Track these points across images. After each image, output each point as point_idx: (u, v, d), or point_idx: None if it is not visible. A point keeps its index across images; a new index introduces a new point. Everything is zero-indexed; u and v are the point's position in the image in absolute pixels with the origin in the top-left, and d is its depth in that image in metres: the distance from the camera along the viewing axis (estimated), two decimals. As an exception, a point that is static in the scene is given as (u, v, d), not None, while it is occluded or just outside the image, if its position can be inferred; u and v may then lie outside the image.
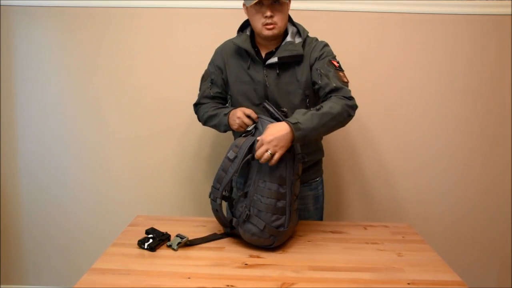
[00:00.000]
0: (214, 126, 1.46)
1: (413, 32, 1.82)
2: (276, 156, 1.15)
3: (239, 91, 1.44)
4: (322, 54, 1.38)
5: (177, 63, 1.86)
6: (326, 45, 1.42)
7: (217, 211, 1.27)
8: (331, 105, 1.23)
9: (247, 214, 1.21)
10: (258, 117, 1.30)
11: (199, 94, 1.54)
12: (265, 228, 1.18)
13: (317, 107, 1.23)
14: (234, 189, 1.33)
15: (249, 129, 1.28)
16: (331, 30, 1.80)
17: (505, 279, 2.01)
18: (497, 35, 1.81)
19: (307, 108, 1.34)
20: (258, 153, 1.17)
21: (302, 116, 1.19)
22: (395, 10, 1.80)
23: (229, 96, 1.49)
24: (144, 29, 1.85)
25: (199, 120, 1.55)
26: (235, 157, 1.22)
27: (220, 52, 1.50)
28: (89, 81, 1.90)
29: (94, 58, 1.87)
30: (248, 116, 1.31)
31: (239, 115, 1.31)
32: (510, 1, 1.78)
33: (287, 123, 1.16)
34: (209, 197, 1.27)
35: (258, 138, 1.19)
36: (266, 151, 1.15)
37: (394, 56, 1.84)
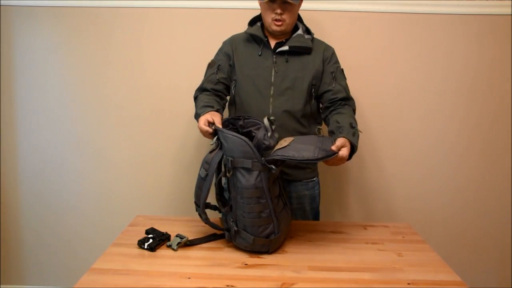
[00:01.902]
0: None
1: (412, 32, 1.82)
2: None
3: (244, 75, 1.47)
4: (333, 57, 1.51)
5: (177, 63, 1.86)
6: (334, 51, 1.54)
7: (207, 224, 1.28)
8: (353, 117, 1.40)
9: (235, 230, 1.19)
10: (215, 128, 1.21)
11: (202, 80, 1.53)
12: (254, 241, 1.17)
13: (354, 124, 1.34)
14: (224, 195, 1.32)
15: (211, 143, 1.22)
16: (330, 29, 1.81)
17: (505, 279, 2.02)
18: (496, 35, 1.81)
19: (311, 95, 1.47)
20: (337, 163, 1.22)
21: (353, 137, 1.27)
22: (395, 10, 1.80)
23: (233, 81, 1.50)
24: (144, 29, 1.85)
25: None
26: (206, 175, 1.20)
27: (229, 41, 1.55)
28: (88, 81, 1.89)
29: (94, 57, 1.88)
30: (211, 124, 1.24)
31: (200, 124, 1.25)
32: (510, 1, 1.78)
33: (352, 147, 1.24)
34: (196, 211, 1.27)
35: (339, 155, 1.18)
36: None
37: (393, 56, 1.84)
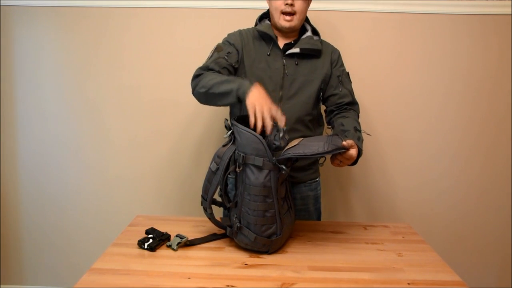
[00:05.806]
0: (220, 95, 1.22)
1: (413, 32, 1.82)
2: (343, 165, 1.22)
3: (254, 76, 1.41)
4: (339, 60, 1.50)
5: (176, 63, 1.86)
6: (340, 53, 1.53)
7: (210, 219, 1.27)
8: (358, 121, 1.40)
9: (238, 226, 1.19)
10: (231, 123, 1.19)
11: (207, 61, 1.37)
12: (256, 239, 1.17)
13: (358, 128, 1.35)
14: (229, 195, 1.32)
15: (225, 136, 1.22)
16: (332, 30, 1.81)
17: (505, 279, 2.02)
18: (497, 35, 1.81)
19: (318, 99, 1.46)
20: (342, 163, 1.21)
21: (358, 141, 1.26)
22: (395, 10, 1.80)
23: None
24: (143, 29, 1.85)
25: (197, 88, 1.30)
26: (217, 169, 1.20)
27: (238, 34, 1.46)
28: (88, 81, 1.90)
29: (94, 58, 1.88)
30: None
31: (267, 107, 1.13)
32: (510, 1, 1.78)
33: (358, 151, 1.21)
34: (201, 205, 1.27)
35: (350, 152, 1.16)
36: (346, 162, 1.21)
37: (393, 57, 1.84)
